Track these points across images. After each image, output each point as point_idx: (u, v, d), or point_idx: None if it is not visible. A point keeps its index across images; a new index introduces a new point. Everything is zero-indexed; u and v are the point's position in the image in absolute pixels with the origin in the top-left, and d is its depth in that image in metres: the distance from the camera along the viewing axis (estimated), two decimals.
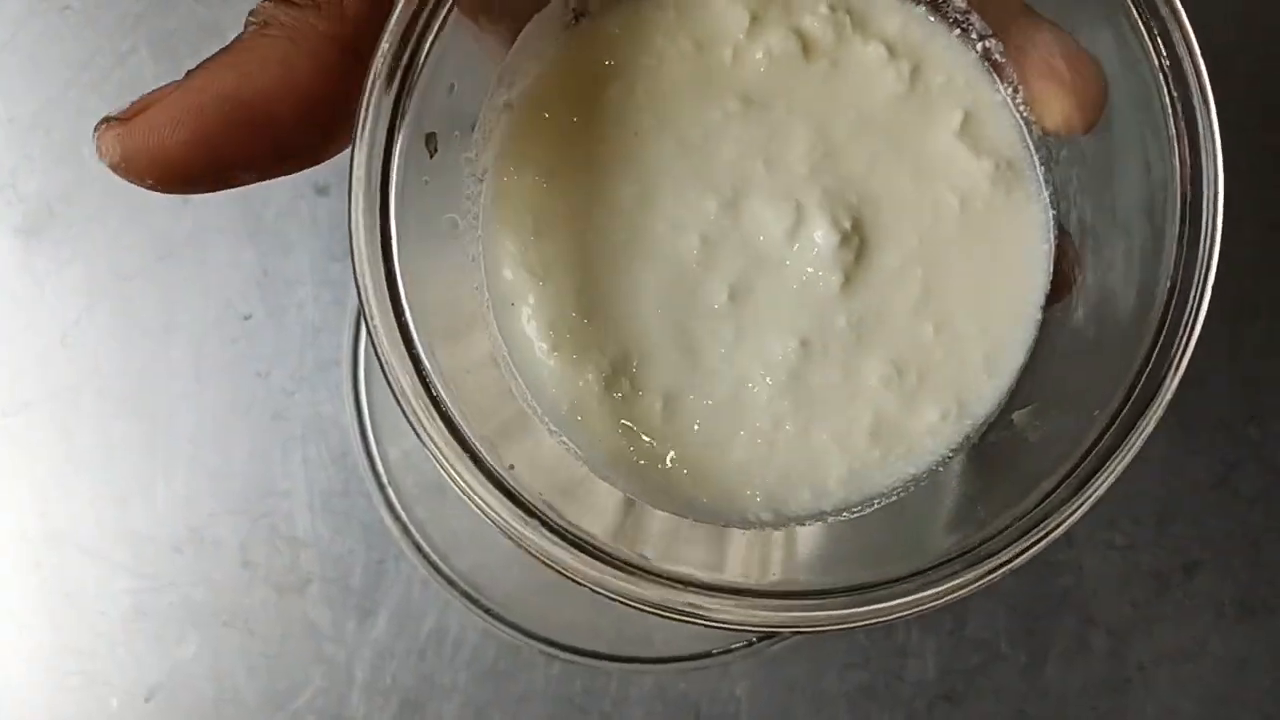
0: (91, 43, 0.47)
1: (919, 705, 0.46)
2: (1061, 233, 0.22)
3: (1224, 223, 0.20)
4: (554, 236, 0.22)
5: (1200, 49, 0.20)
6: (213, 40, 0.46)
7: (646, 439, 0.22)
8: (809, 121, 0.22)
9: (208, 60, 0.21)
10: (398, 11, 0.20)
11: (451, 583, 0.40)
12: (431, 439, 0.19)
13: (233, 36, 0.22)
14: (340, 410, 0.45)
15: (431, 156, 0.21)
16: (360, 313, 0.38)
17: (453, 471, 0.19)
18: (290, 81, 0.20)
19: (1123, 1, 0.20)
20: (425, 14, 0.20)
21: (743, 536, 0.23)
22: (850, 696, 0.46)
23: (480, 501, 0.19)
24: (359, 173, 0.20)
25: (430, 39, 0.20)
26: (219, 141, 0.20)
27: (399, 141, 0.20)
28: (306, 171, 0.23)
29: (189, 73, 0.21)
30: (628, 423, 0.22)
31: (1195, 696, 0.46)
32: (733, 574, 0.21)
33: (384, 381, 0.21)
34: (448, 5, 0.20)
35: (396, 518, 0.41)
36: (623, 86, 0.22)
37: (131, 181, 0.21)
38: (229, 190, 0.47)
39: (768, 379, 0.22)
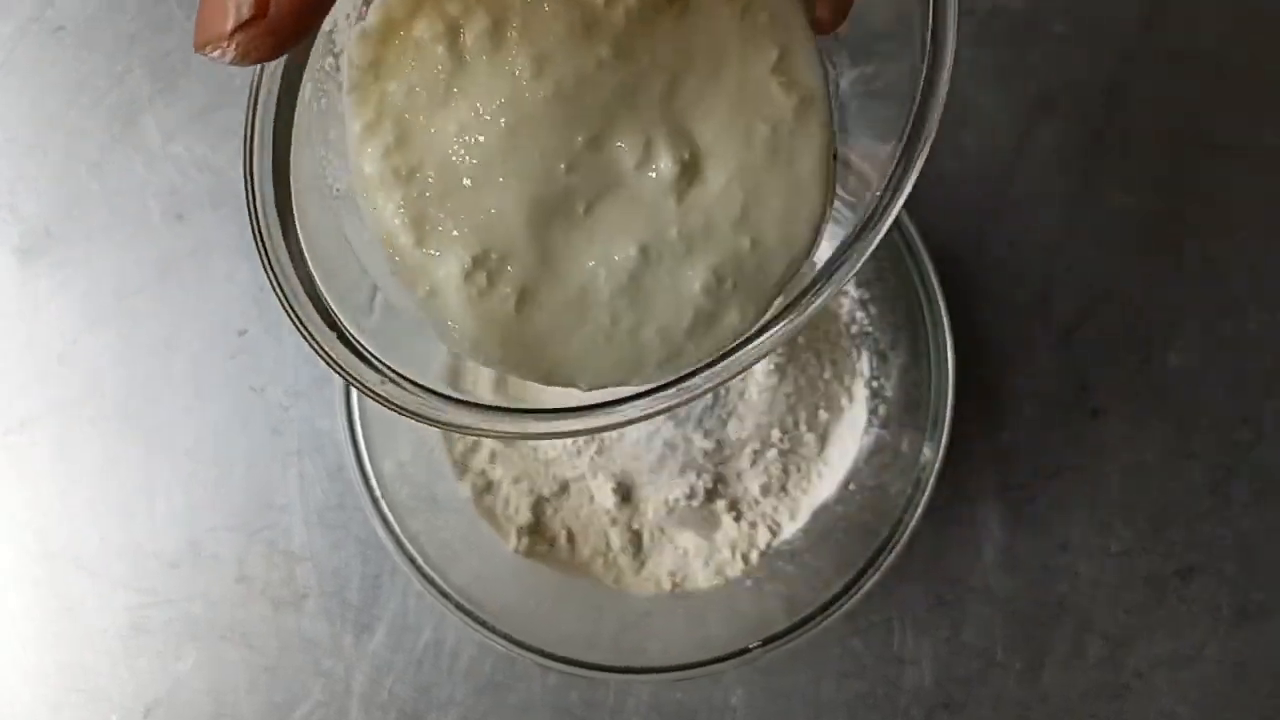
0: (87, 63, 0.47)
1: (917, 713, 0.46)
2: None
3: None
4: (418, 144, 0.25)
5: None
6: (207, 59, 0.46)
7: (497, 325, 0.25)
8: (664, 65, 0.25)
9: None
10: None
11: (446, 595, 0.40)
12: (297, 316, 0.24)
13: None
14: (335, 425, 0.45)
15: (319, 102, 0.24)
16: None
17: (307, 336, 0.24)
18: None
19: None
20: None
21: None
22: (848, 705, 0.46)
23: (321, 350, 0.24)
24: (259, 140, 0.23)
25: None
26: None
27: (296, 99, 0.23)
28: None
29: None
30: (482, 309, 0.25)
31: (1193, 701, 0.46)
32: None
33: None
34: None
35: (390, 531, 0.41)
36: (494, 25, 0.24)
37: (256, 63, 0.22)
38: (224, 208, 0.47)
39: (610, 280, 0.25)
